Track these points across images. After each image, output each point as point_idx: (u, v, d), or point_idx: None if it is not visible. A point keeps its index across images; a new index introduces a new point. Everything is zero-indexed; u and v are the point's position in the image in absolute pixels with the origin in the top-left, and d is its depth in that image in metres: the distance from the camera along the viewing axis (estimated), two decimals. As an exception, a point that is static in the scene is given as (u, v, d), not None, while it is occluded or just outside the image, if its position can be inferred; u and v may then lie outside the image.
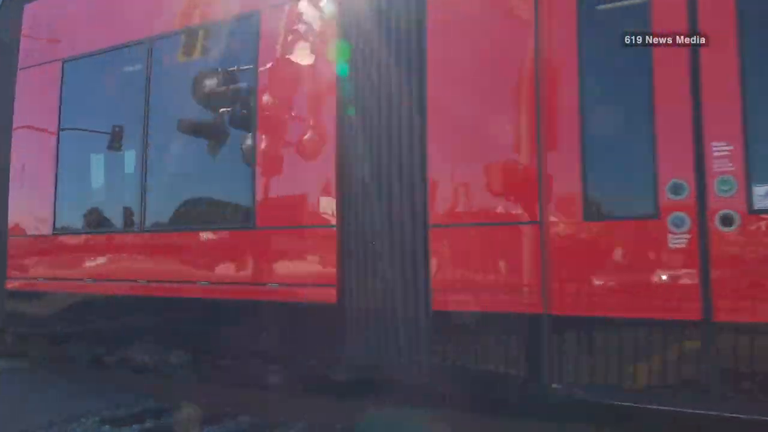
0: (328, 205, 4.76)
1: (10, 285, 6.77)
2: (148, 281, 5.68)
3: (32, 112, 6.84)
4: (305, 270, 4.85)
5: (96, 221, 6.28)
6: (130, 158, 6.01)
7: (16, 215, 6.83)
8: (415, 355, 4.34)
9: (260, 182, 5.07)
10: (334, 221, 4.71)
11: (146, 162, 5.80)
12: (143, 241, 5.78)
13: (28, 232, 6.72)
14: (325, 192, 4.77)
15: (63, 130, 6.52)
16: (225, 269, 5.27)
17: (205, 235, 5.42)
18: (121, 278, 5.88)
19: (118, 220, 6.10)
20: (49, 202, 6.47)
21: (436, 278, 4.25)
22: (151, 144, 5.82)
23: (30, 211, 6.72)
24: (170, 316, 5.56)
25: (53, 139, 6.54)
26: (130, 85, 6.06)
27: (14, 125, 6.91)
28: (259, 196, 5.07)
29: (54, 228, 6.43)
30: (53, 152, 6.52)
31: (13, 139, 6.89)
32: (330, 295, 4.68)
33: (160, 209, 5.77)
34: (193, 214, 5.64)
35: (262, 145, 5.11)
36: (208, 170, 5.62)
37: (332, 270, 4.69)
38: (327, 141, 4.78)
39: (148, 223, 5.77)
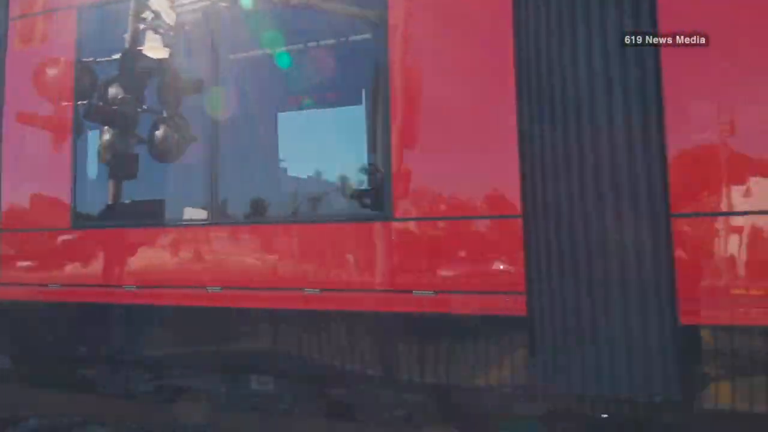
0: (507, 188, 3.67)
1: (3, 293, 5.18)
2: (223, 288, 4.35)
3: (34, 72, 5.27)
4: (474, 274, 3.73)
5: (138, 211, 4.86)
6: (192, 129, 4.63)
7: (11, 204, 5.24)
8: (651, 385, 3.33)
9: (398, 160, 3.90)
10: (517, 209, 3.63)
11: (218, 135, 4.45)
12: (215, 236, 4.43)
13: (32, 226, 5.17)
14: (503, 170, 3.67)
15: (82, 94, 5.03)
16: (342, 273, 4.05)
17: (312, 229, 4.17)
18: (180, 284, 4.51)
19: (172, 210, 4.71)
20: (65, 187, 4.97)
21: (686, 283, 3.26)
22: (225, 113, 4.47)
23: (34, 198, 5.17)
24: (261, 333, 4.26)
25: (67, 105, 5.03)
26: (188, 38, 4.68)
27: (6, 88, 5.32)
28: (397, 178, 3.90)
29: (74, 220, 4.93)
30: (68, 123, 5.01)
31: (5, 106, 5.30)
32: (516, 305, 3.59)
33: (240, 195, 4.46)
34: (290, 201, 4.37)
35: (400, 116, 3.92)
36: (310, 146, 4.38)
37: (518, 272, 3.61)
38: (501, 100, 3.68)
39: (223, 213, 4.43)
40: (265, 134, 4.61)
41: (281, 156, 4.58)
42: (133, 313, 4.70)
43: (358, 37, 4.21)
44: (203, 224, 4.48)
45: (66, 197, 4.95)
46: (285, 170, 4.54)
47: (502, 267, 3.67)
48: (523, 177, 3.61)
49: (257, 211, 4.41)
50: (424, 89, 3.91)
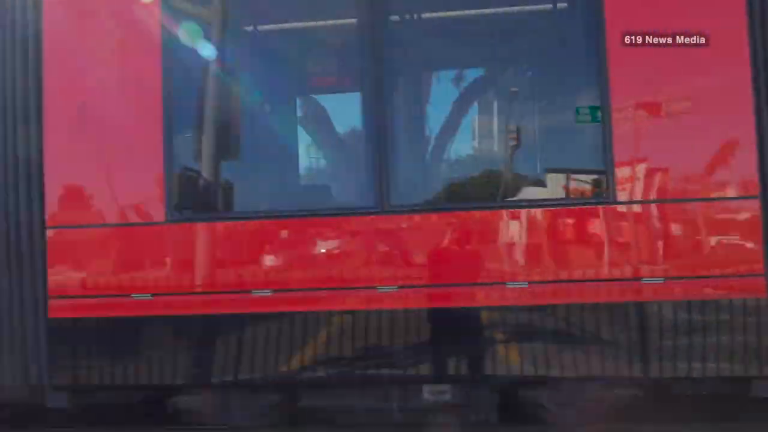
0: (743, 169, 3.58)
1: (59, 310, 3.98)
2: (401, 287, 3.76)
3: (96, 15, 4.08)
4: (706, 257, 3.61)
5: (268, 197, 4.02)
6: (344, 99, 3.91)
7: (65, 193, 4.04)
8: None
9: (620, 139, 3.64)
10: (755, 190, 3.57)
11: (387, 105, 3.78)
12: (390, 226, 3.79)
13: (99, 220, 4.03)
14: (739, 150, 3.58)
15: (176, 42, 3.98)
16: (557, 262, 3.70)
17: (518, 215, 3.73)
18: (335, 286, 3.81)
19: (320, 195, 3.95)
20: (154, 167, 3.94)
21: None
22: (400, 81, 3.84)
23: (100, 184, 4.02)
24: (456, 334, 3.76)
25: (155, 58, 3.96)
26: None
27: (48, 34, 4.05)
28: (619, 158, 3.64)
29: (171, 210, 3.92)
30: (156, 81, 3.95)
31: (46, 60, 4.04)
32: (755, 287, 3.55)
33: (422, 178, 3.87)
34: (484, 185, 3.88)
35: (619, 95, 3.65)
36: (508, 121, 3.92)
37: (756, 254, 3.56)
38: (737, 76, 3.55)
39: (398, 199, 3.80)
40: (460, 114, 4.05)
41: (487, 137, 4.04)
42: (263, 323, 3.88)
43: (564, 3, 3.84)
44: (369, 213, 3.81)
45: (158, 184, 3.92)
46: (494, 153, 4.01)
47: (738, 249, 3.60)
48: (762, 156, 3.56)
49: (451, 198, 3.86)
50: (644, 68, 3.67)
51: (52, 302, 3.98)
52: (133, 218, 3.98)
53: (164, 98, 3.93)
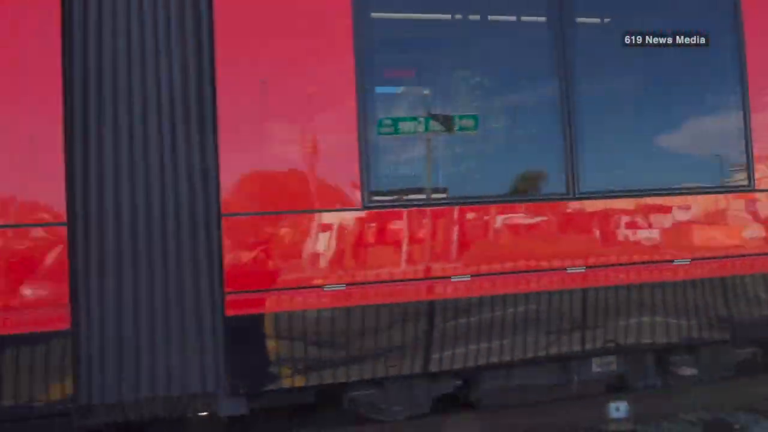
0: None
1: (237, 307, 3.53)
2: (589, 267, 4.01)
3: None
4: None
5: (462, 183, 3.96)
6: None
7: (244, 178, 3.58)
8: None
9: (759, 128, 4.27)
10: None
11: (572, 90, 3.98)
12: (578, 211, 4.01)
13: (284, 206, 3.64)
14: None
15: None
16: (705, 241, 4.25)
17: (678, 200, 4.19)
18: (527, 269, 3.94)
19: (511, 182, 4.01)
20: (348, 148, 3.67)
21: None
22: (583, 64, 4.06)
23: (280, 165, 3.64)
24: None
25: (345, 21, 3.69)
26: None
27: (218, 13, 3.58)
28: (758, 147, 4.28)
29: (368, 196, 3.69)
30: (348, 48, 3.68)
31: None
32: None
33: (603, 164, 4.12)
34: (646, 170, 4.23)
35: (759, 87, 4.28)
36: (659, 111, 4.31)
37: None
38: None
39: (586, 186, 4.01)
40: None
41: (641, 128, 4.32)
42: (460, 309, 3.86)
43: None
44: (558, 199, 3.99)
45: (353, 166, 3.67)
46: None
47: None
48: None
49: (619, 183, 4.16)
50: None
51: (229, 298, 3.53)
52: (324, 204, 3.68)
53: (357, 72, 3.69)
